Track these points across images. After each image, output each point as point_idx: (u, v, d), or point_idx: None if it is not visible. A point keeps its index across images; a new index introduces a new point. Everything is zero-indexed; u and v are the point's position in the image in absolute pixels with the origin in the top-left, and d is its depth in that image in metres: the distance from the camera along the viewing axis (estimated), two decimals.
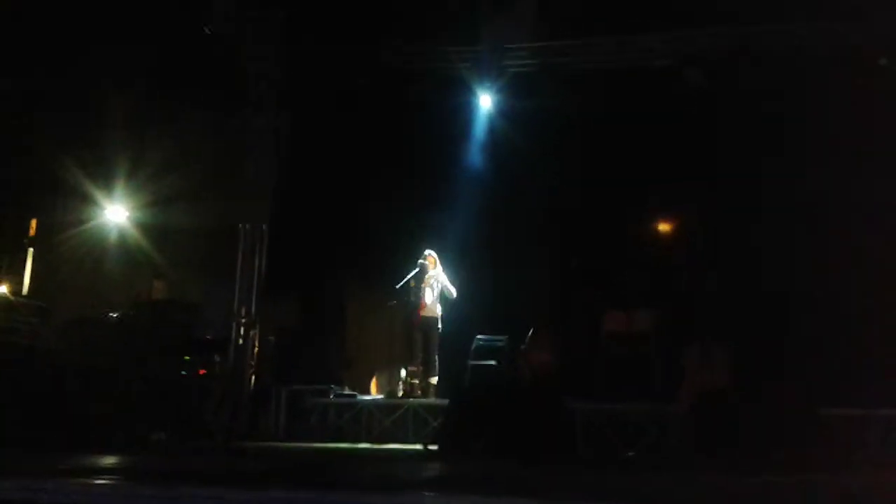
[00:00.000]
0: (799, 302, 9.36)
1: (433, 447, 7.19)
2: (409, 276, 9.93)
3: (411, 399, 9.70)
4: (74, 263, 12.47)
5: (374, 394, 10.59)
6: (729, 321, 8.31)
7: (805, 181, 9.59)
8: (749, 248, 9.74)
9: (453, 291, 9.98)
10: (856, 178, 9.20)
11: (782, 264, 9.61)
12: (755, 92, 9.73)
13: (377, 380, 10.80)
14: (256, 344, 10.57)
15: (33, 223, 13.49)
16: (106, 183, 12.08)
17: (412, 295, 9.91)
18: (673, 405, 8.13)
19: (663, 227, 11.19)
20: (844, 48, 9.50)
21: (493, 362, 9.78)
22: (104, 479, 3.70)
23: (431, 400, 9.65)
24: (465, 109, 11.03)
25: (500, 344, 9.95)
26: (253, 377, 10.45)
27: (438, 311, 10.01)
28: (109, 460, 5.24)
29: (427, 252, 10.06)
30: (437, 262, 10.10)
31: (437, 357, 9.95)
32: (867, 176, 9.11)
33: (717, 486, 4.59)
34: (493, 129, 11.09)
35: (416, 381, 9.93)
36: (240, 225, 10.75)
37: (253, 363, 10.50)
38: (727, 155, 9.94)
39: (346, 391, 10.16)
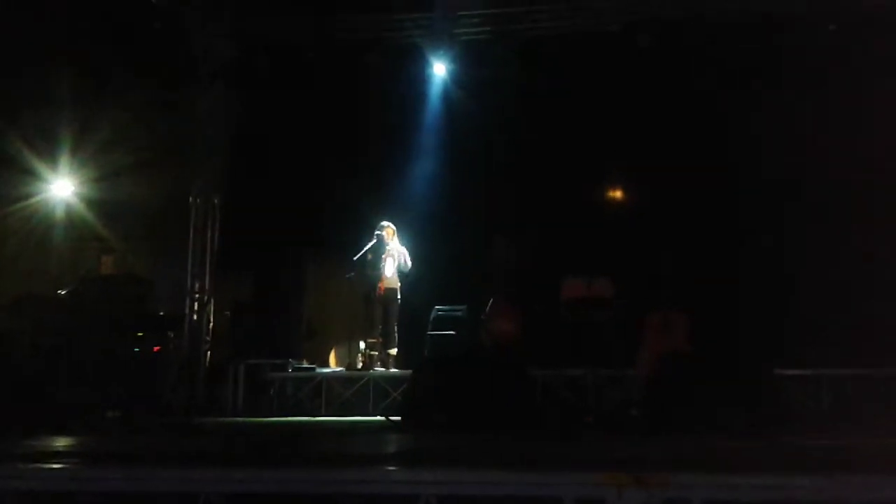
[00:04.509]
0: (755, 268, 9.53)
1: (395, 418, 7.17)
2: (366, 248, 9.85)
3: (371, 371, 9.68)
4: (19, 240, 12.11)
5: (334, 366, 10.57)
6: (687, 289, 8.41)
7: (764, 151, 9.69)
8: (706, 218, 9.82)
9: (409, 263, 9.93)
10: (812, 148, 9.33)
11: (738, 233, 9.77)
12: (712, 58, 9.77)
13: (336, 352, 10.76)
14: (211, 319, 10.49)
15: None
16: (51, 157, 11.72)
17: (371, 267, 9.85)
18: (632, 370, 8.23)
19: (621, 195, 11.20)
20: (795, 13, 9.58)
21: (452, 332, 9.79)
22: (63, 462, 3.60)
23: (392, 371, 9.64)
24: (419, 79, 10.94)
25: (459, 314, 9.95)
26: (209, 352, 10.37)
27: (397, 282, 9.97)
28: (67, 441, 5.12)
29: (384, 223, 9.98)
30: (395, 233, 10.04)
31: (396, 328, 9.93)
32: (824, 144, 9.23)
33: (678, 449, 4.66)
34: (448, 99, 11.00)
35: (376, 353, 9.91)
36: (190, 199, 10.59)
37: (208, 338, 10.41)
38: (684, 121, 9.98)
39: (305, 364, 10.12)
